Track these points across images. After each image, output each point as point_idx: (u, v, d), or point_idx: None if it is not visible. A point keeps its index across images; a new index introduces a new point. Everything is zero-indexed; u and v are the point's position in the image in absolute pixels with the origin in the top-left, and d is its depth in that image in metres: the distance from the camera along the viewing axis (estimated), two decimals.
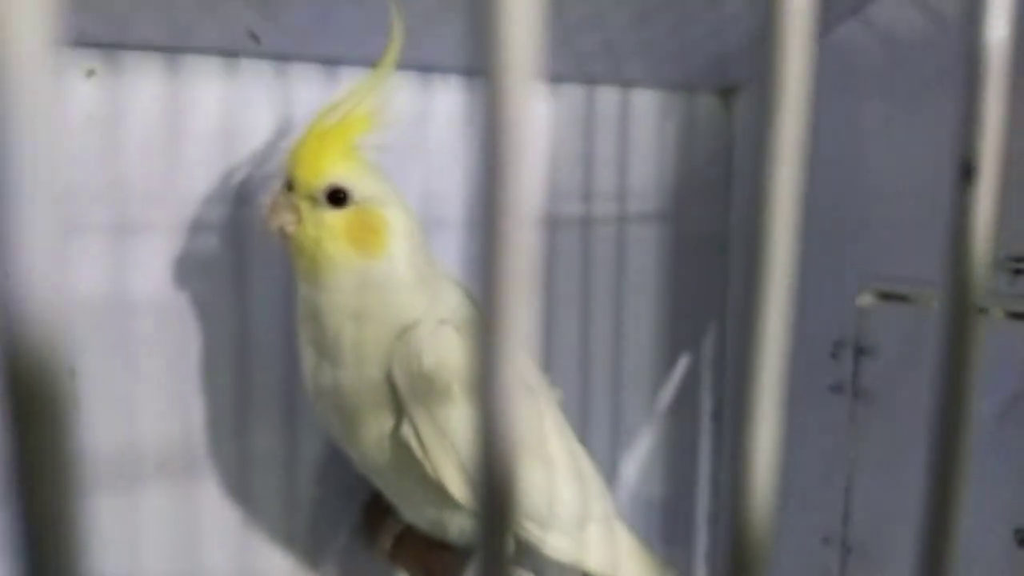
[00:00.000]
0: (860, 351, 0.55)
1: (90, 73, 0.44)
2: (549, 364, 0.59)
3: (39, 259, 0.10)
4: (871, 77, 0.53)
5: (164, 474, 0.48)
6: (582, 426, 0.60)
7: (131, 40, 0.44)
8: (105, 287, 0.45)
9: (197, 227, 0.47)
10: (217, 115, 0.47)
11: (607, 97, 0.59)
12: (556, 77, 0.57)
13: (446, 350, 0.42)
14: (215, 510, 0.50)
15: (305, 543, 0.53)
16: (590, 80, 0.59)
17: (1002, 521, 0.43)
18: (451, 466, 0.42)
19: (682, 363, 0.65)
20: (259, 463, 0.51)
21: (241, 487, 0.50)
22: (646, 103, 0.60)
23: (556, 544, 0.46)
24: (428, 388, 0.41)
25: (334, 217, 0.42)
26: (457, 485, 0.42)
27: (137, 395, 0.47)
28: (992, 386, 0.45)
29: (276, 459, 0.51)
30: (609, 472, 0.62)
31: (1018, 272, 0.45)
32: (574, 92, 0.58)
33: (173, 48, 0.46)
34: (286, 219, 0.42)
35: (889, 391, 0.54)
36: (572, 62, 0.56)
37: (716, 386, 0.67)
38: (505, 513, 0.13)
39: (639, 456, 0.64)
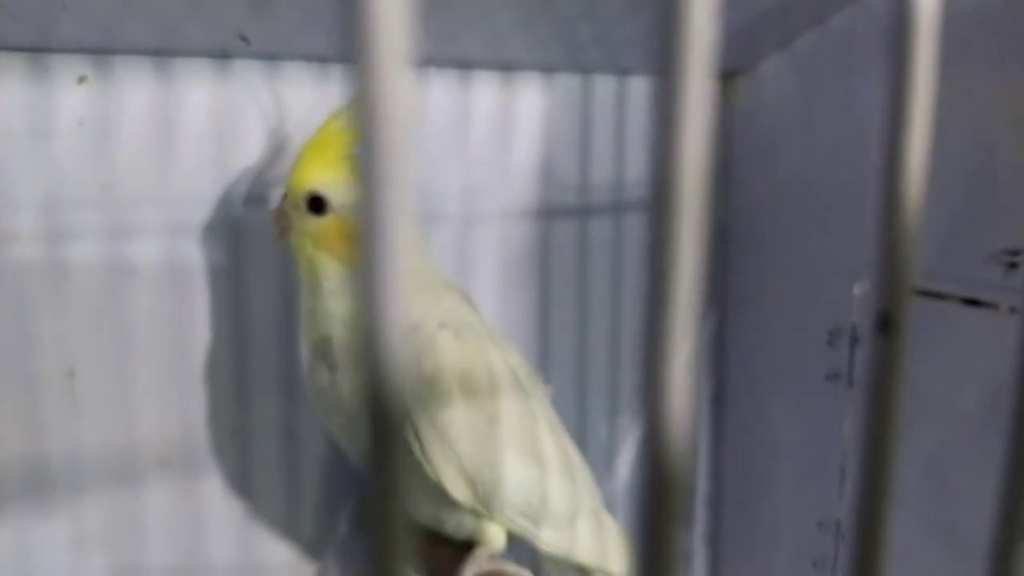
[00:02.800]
0: (856, 340, 0.55)
1: (81, 79, 0.44)
2: (547, 350, 0.60)
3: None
4: (870, 64, 0.53)
5: (165, 469, 0.49)
6: (580, 414, 0.60)
7: (121, 45, 0.44)
8: (102, 289, 0.46)
9: (192, 228, 0.48)
10: (209, 117, 0.47)
11: (603, 86, 0.59)
12: (550, 67, 0.57)
13: (445, 354, 0.42)
14: (217, 503, 0.51)
15: (307, 534, 0.54)
16: (586, 69, 0.58)
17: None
18: (451, 468, 0.43)
19: None
20: (260, 457, 0.52)
21: (243, 480, 0.52)
22: (643, 90, 0.60)
23: (549, 538, 0.47)
24: (427, 392, 0.42)
25: (313, 224, 0.42)
26: (456, 486, 0.43)
27: (136, 393, 0.48)
28: (985, 379, 0.45)
29: (277, 452, 0.52)
30: (608, 460, 0.63)
31: (1012, 266, 0.45)
32: (570, 81, 0.58)
33: (163, 51, 0.46)
34: (280, 225, 0.43)
35: None
36: (567, 52, 0.55)
37: (715, 372, 0.67)
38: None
39: (638, 442, 0.64)
